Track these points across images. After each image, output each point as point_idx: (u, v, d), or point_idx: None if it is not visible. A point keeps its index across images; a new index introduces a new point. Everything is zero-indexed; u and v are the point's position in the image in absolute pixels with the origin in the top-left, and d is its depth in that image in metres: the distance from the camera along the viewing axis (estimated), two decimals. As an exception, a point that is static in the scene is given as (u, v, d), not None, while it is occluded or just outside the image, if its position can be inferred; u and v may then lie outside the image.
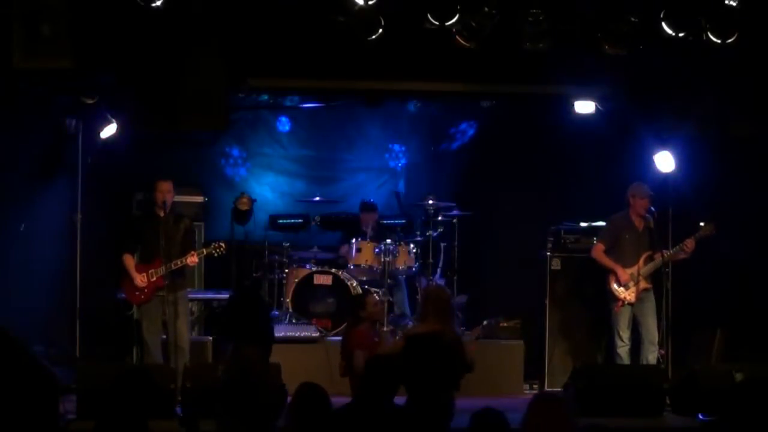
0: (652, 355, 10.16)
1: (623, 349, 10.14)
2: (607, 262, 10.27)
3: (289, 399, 5.98)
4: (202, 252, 10.07)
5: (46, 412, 8.11)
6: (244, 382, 6.04)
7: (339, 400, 6.40)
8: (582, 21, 9.43)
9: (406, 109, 12.73)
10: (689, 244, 10.10)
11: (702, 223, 10.14)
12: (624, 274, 10.16)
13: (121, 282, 9.94)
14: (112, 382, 6.51)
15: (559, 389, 9.98)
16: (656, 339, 10.17)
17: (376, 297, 9.89)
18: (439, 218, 11.78)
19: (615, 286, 10.18)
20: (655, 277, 10.29)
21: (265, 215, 12.31)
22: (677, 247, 10.16)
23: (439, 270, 11.95)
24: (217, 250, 9.93)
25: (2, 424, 7.66)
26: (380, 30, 9.18)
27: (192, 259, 9.74)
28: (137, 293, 9.75)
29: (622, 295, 10.16)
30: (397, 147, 13.05)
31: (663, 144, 10.67)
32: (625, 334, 10.15)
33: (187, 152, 12.05)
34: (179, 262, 9.66)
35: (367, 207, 12.02)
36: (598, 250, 10.34)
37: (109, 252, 10.37)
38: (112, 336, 10.74)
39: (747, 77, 10.08)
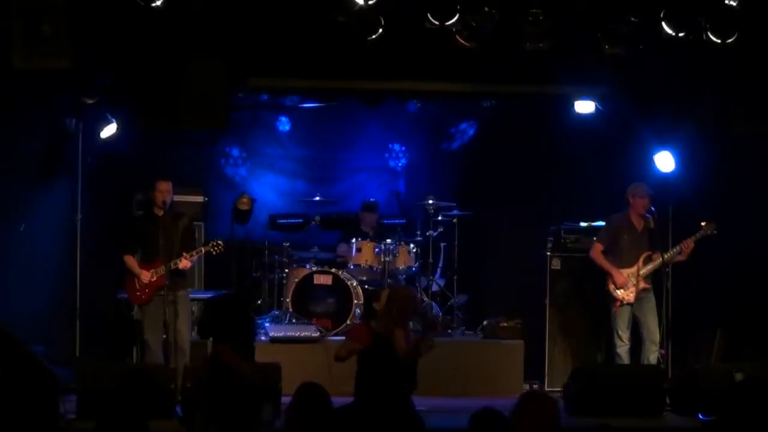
0: (653, 355, 10.16)
1: (623, 349, 10.15)
2: (603, 263, 10.26)
3: (286, 399, 5.98)
4: (201, 250, 10.06)
5: (46, 412, 8.11)
6: (221, 381, 6.04)
7: (339, 400, 6.41)
8: (582, 21, 9.43)
9: (406, 109, 12.72)
10: (688, 245, 10.09)
11: (703, 223, 10.14)
12: (620, 276, 10.16)
13: (123, 282, 9.93)
14: (114, 382, 6.51)
15: (559, 389, 9.98)
16: (658, 339, 10.17)
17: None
18: (439, 218, 11.78)
19: (612, 287, 10.19)
20: (655, 277, 10.30)
21: (265, 215, 12.30)
22: (677, 247, 10.15)
23: (439, 270, 11.96)
24: (216, 248, 9.92)
25: (2, 424, 7.66)
26: (380, 30, 9.18)
27: (184, 263, 9.70)
28: (138, 293, 9.74)
29: (620, 296, 10.16)
30: (397, 147, 13.04)
31: (663, 144, 10.68)
32: (624, 334, 10.15)
33: (187, 152, 12.04)
34: (177, 262, 9.63)
35: (369, 207, 12.02)
36: (596, 251, 10.34)
37: (109, 252, 10.37)
38: (112, 336, 10.73)
39: (747, 77, 10.08)
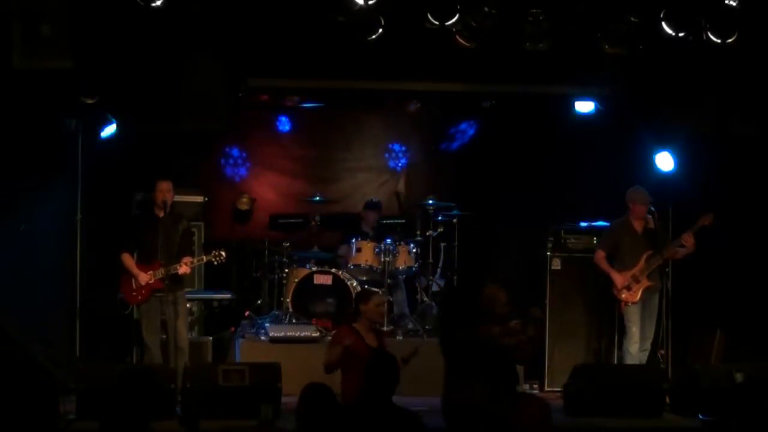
0: (643, 353, 10.19)
1: (635, 347, 10.13)
2: (604, 267, 10.31)
3: (286, 398, 5.99)
4: (202, 259, 10.08)
5: (46, 412, 8.12)
6: None
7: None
8: (582, 21, 9.44)
9: (406, 109, 12.72)
10: (687, 238, 10.09)
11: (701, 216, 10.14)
12: (619, 278, 10.18)
13: (119, 281, 9.92)
14: (116, 382, 6.51)
15: (559, 389, 9.99)
16: (650, 339, 10.20)
17: (383, 298, 9.85)
18: (439, 218, 11.78)
19: (616, 290, 10.21)
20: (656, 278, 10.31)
21: (265, 215, 12.30)
22: (676, 241, 10.16)
23: (439, 270, 11.95)
24: (218, 258, 9.90)
25: (2, 424, 7.66)
26: (380, 30, 9.19)
27: (183, 269, 9.69)
28: (135, 293, 9.73)
29: (623, 297, 10.18)
30: (397, 147, 13.05)
31: (663, 144, 10.68)
32: (637, 330, 10.15)
33: (187, 152, 12.05)
34: (177, 267, 9.62)
35: (373, 205, 12.00)
36: (599, 257, 10.39)
37: (109, 252, 10.36)
38: (112, 336, 10.73)
39: (747, 77, 10.09)
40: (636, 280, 10.17)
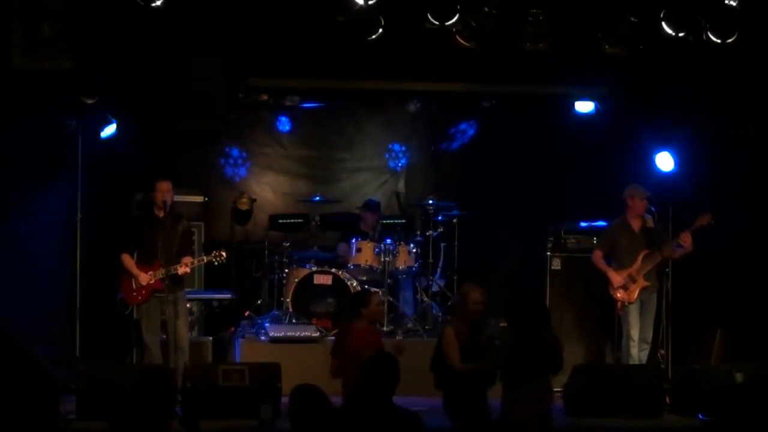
0: (643, 353, 10.18)
1: (635, 350, 10.11)
2: (601, 266, 10.29)
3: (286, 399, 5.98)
4: (203, 259, 10.08)
5: (46, 412, 8.12)
6: None
7: (339, 400, 6.40)
8: (582, 21, 9.44)
9: (406, 109, 12.73)
10: (684, 237, 10.08)
11: (699, 215, 10.13)
12: (616, 276, 10.16)
13: (119, 282, 9.92)
14: (136, 383, 6.50)
15: (559, 389, 9.98)
16: (650, 338, 10.20)
17: (381, 297, 9.86)
18: (439, 218, 11.78)
19: (612, 289, 10.19)
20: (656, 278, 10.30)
21: (265, 215, 12.31)
22: (673, 241, 10.15)
23: (439, 270, 11.95)
24: (218, 259, 9.89)
25: (2, 424, 7.67)
26: (380, 30, 9.20)
27: (183, 270, 9.69)
28: (135, 293, 9.73)
29: (620, 297, 10.16)
30: (397, 147, 13.06)
31: (663, 144, 10.68)
32: (636, 333, 10.13)
33: (187, 152, 12.05)
34: (177, 268, 9.62)
35: (371, 206, 12.01)
36: (596, 256, 10.38)
37: (109, 252, 10.36)
38: (112, 336, 10.74)
39: (747, 77, 10.08)
40: (632, 279, 10.15)
